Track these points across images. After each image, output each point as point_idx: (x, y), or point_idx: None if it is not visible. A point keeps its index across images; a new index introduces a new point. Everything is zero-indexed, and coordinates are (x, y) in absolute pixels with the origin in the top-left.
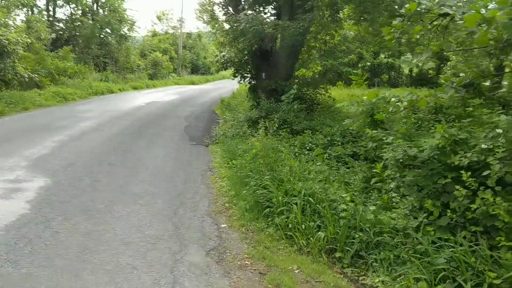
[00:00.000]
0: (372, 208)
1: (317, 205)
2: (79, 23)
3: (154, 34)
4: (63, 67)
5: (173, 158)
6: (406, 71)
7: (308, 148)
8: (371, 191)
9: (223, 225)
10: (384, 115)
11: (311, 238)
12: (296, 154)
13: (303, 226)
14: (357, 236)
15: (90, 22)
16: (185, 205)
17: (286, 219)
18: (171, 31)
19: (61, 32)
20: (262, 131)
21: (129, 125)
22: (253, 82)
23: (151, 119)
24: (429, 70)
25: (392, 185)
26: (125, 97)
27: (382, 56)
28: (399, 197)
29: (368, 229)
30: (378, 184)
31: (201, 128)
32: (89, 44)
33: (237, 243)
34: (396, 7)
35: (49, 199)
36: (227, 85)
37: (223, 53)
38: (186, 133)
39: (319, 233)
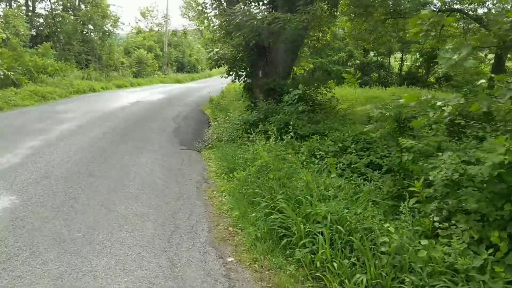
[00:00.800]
0: (424, 242)
1: (350, 237)
2: (60, 18)
3: (139, 31)
4: (43, 65)
5: (163, 167)
6: (396, 69)
7: (318, 156)
8: (401, 212)
9: (229, 259)
10: (423, 121)
11: (347, 281)
12: (304, 163)
13: (334, 264)
14: (407, 280)
15: (72, 17)
16: (181, 230)
17: (311, 255)
18: (156, 28)
19: (41, 28)
20: (272, 140)
21: (112, 127)
22: (248, 81)
23: (136, 120)
24: (419, 69)
25: (433, 206)
26: (108, 96)
27: (372, 54)
28: (446, 223)
29: (420, 270)
30: (416, 204)
31: (191, 131)
32: (71, 40)
33: (251, 287)
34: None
35: (13, 226)
36: (214, 84)
37: (216, 49)
38: (175, 136)
39: (358, 275)
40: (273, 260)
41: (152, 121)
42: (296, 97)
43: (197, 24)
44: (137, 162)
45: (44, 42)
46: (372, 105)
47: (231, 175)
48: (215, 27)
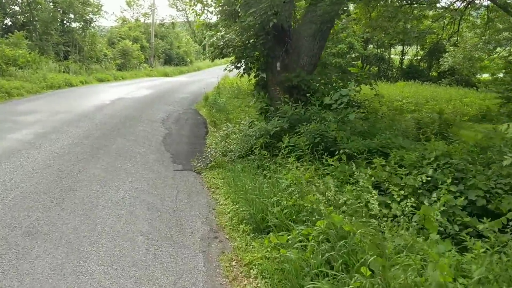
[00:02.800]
0: None
1: None
2: (39, 6)
3: (124, 21)
4: (13, 56)
5: (148, 206)
6: (397, 63)
7: (389, 194)
8: None
9: None
10: None
11: None
12: (370, 208)
13: None
14: None
15: (51, 6)
16: None
17: None
18: (142, 18)
19: (18, 17)
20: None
21: (83, 135)
22: (262, 75)
23: (116, 124)
24: (420, 63)
25: None
26: (86, 91)
27: (371, 46)
28: None
29: None
30: None
31: (186, 139)
32: (48, 29)
33: None
34: None
35: None
36: (205, 77)
37: (221, 33)
38: (166, 148)
39: None
40: None
41: (136, 124)
42: (345, 100)
43: (188, 9)
44: (110, 197)
45: (16, 31)
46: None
47: (265, 240)
48: (215, 9)
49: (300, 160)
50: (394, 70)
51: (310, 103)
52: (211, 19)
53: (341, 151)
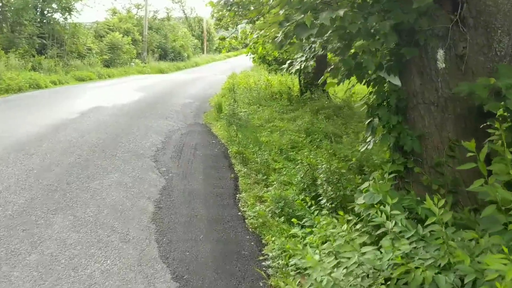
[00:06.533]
0: None
1: None
2: None
3: (114, 12)
4: None
5: None
6: None
7: None
8: None
9: None
10: None
11: None
12: None
13: None
14: None
15: None
16: None
17: None
18: (134, 10)
19: None
20: None
21: None
22: (390, 82)
23: (67, 169)
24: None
25: None
26: (54, 96)
27: None
28: None
29: None
30: None
31: (201, 204)
32: (20, 19)
33: None
34: None
35: None
36: (207, 74)
37: None
38: (161, 251)
39: None
40: None
41: (107, 168)
42: None
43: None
44: None
45: None
46: None
47: None
48: None
49: None
50: None
51: None
52: None
53: None
